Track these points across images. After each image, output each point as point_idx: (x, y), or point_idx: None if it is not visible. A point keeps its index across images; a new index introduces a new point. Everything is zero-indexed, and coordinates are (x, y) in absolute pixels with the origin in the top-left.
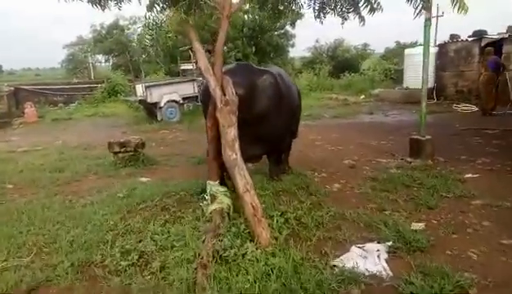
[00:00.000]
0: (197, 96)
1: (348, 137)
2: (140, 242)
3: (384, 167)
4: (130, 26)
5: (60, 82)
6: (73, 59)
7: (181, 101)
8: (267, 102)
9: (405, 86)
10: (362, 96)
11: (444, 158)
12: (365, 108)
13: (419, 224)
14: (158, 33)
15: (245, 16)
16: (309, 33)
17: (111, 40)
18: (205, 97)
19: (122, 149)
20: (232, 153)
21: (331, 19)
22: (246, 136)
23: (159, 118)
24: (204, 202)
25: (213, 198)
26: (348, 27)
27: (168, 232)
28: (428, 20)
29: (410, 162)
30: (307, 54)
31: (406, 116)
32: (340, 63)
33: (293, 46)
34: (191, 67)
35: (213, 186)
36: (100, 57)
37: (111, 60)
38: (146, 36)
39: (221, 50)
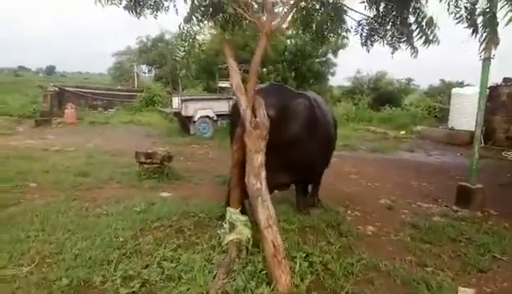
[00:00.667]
0: None
1: (385, 174)
2: (146, 267)
3: (426, 212)
4: (174, 40)
5: (103, 87)
6: (120, 67)
7: (215, 118)
8: (299, 127)
9: (449, 126)
10: (403, 132)
11: (496, 210)
12: (405, 144)
13: (469, 290)
14: (190, 45)
15: (288, 41)
16: (351, 63)
17: (155, 52)
18: (234, 117)
19: (148, 161)
20: (257, 182)
21: (378, 48)
22: (274, 162)
23: (191, 132)
24: (222, 230)
25: (232, 226)
26: (390, 60)
27: (179, 259)
28: (487, 60)
29: (457, 211)
30: (347, 83)
31: (450, 158)
32: (381, 95)
33: (333, 74)
34: (229, 85)
35: (234, 214)
36: (144, 67)
37: (154, 71)
38: (179, 47)
39: (256, 68)
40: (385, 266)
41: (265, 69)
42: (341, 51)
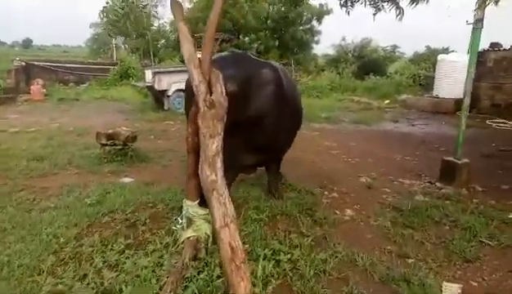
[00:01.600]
0: None
1: (367, 148)
2: (83, 277)
3: (408, 190)
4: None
5: (74, 61)
6: (98, 39)
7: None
8: (267, 100)
9: (434, 93)
10: (387, 101)
11: (482, 186)
12: (389, 114)
13: (454, 285)
14: (129, 5)
15: (270, 8)
16: (336, 30)
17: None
18: (189, 93)
19: (109, 142)
20: (211, 173)
21: (364, 12)
22: (238, 142)
23: (165, 107)
24: (178, 226)
25: (189, 222)
26: (376, 27)
27: (124, 265)
28: (479, 22)
29: (441, 189)
30: (332, 51)
31: (435, 127)
32: (366, 64)
33: (317, 42)
34: None
35: (191, 207)
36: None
37: (130, 43)
38: (116, 9)
39: (211, 34)
40: (362, 260)
41: (247, 38)
42: (326, 17)
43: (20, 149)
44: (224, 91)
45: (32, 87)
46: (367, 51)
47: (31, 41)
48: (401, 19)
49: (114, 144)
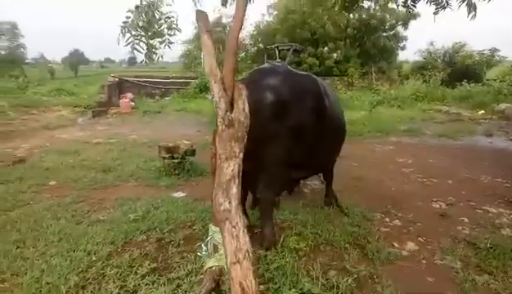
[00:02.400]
0: None
1: (449, 166)
2: None
3: (493, 222)
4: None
5: (160, 76)
6: (189, 54)
7: None
8: (306, 112)
9: None
10: (482, 112)
11: None
12: (482, 126)
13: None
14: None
15: (351, 15)
16: (425, 36)
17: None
18: None
19: (168, 155)
20: (225, 201)
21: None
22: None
23: None
24: (203, 253)
25: (215, 249)
26: (472, 30)
27: (140, 292)
28: None
29: None
30: (419, 58)
31: None
32: (458, 71)
33: (403, 48)
34: None
35: (216, 233)
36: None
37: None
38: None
39: (233, 48)
40: None
41: (325, 49)
42: (412, 22)
43: (95, 160)
44: (247, 108)
45: (120, 101)
46: (460, 57)
47: (136, 58)
48: (474, 17)
49: (173, 158)
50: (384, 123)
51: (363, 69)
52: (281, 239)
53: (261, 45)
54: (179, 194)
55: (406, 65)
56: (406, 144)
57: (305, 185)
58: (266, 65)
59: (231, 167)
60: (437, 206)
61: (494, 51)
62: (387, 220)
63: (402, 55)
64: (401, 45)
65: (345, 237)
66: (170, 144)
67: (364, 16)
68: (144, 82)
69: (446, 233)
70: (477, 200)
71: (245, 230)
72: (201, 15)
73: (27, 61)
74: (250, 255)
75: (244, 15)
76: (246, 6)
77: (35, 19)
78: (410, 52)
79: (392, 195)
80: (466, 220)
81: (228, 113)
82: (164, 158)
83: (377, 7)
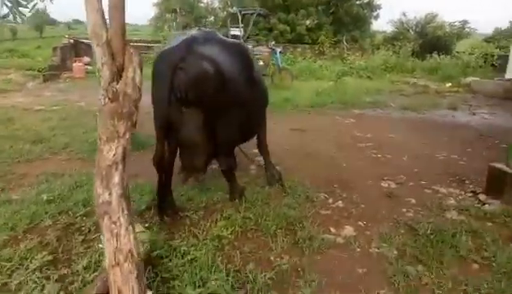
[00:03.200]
0: None
1: (407, 141)
2: None
3: (440, 203)
4: None
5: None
6: (160, 17)
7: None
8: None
9: (507, 76)
10: (449, 84)
11: None
12: (448, 100)
13: None
14: None
15: None
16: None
17: None
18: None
19: None
20: (104, 192)
21: None
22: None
23: None
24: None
25: None
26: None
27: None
28: None
29: (484, 204)
30: (391, 28)
31: (501, 118)
32: (429, 42)
33: (376, 18)
34: (238, 33)
35: None
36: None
37: (179, 20)
38: None
39: (119, 1)
40: None
41: (294, 15)
42: None
43: (29, 129)
44: (139, 78)
45: (74, 65)
46: (431, 28)
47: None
48: None
49: None
50: (350, 95)
51: (336, 38)
52: (207, 225)
53: (230, 9)
54: None
55: (379, 35)
56: (369, 116)
57: (252, 161)
58: (198, 32)
59: (112, 151)
60: (386, 185)
61: (464, 22)
62: (330, 201)
63: (376, 25)
64: (375, 14)
65: (278, 221)
66: None
67: None
68: None
69: (388, 217)
70: (428, 179)
71: (130, 227)
72: None
73: None
74: (134, 256)
75: None
76: None
77: None
78: (383, 22)
79: (341, 173)
80: (413, 201)
81: (114, 84)
82: None
83: None
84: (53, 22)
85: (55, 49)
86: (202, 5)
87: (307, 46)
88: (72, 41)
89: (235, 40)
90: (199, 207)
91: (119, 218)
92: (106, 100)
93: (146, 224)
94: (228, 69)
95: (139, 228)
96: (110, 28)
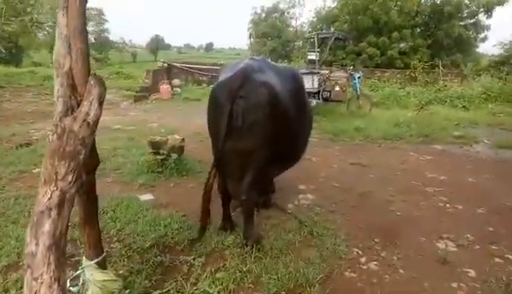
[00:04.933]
0: (318, 92)
1: (491, 189)
2: None
3: (508, 283)
4: (289, 10)
5: (209, 63)
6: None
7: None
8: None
9: None
10: None
11: None
12: None
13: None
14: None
15: (422, 0)
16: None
17: (265, 23)
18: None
19: (154, 150)
20: (31, 241)
21: None
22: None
23: None
24: (73, 289)
25: (85, 286)
26: None
27: None
28: None
29: None
30: (500, 51)
31: None
32: None
33: (484, 40)
34: (314, 57)
35: (87, 268)
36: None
37: (267, 44)
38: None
39: (80, 25)
40: None
41: (386, 39)
42: (498, 8)
43: (98, 148)
44: (95, 113)
45: (160, 87)
46: None
47: (212, 45)
48: None
49: (159, 153)
50: (434, 127)
51: (432, 62)
52: (203, 275)
53: (307, 34)
54: (146, 197)
55: (485, 60)
56: (451, 154)
57: (284, 211)
58: (245, 60)
59: (48, 195)
60: (443, 246)
61: None
62: (362, 259)
63: (484, 48)
64: (482, 36)
65: (285, 281)
66: (157, 139)
67: (437, 2)
68: (191, 68)
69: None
70: (505, 243)
71: (55, 285)
72: None
73: (116, 45)
74: None
75: None
76: None
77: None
78: (491, 44)
79: (392, 223)
80: (472, 273)
81: (65, 120)
82: (153, 152)
83: None
84: (168, 47)
85: (148, 72)
86: (291, 29)
87: (397, 70)
88: (166, 65)
89: (286, 66)
90: (207, 251)
91: (41, 274)
92: (54, 136)
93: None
94: (282, 94)
95: (109, 276)
96: (72, 57)
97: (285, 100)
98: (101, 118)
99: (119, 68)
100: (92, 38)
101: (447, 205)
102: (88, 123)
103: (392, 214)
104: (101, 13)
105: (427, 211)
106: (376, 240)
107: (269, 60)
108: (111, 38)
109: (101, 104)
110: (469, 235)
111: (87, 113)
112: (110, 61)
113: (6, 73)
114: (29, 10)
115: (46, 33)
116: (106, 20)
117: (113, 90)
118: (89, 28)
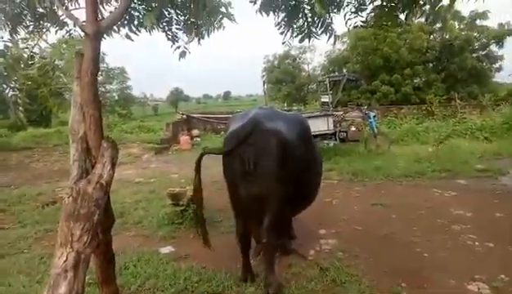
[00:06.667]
0: (334, 133)
1: None
2: None
3: None
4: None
5: (225, 112)
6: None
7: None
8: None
9: None
10: None
11: None
12: None
13: None
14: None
15: (431, 36)
16: None
17: (279, 70)
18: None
19: (172, 203)
20: None
21: None
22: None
23: None
24: None
25: None
26: None
27: None
28: None
29: None
30: None
31: None
32: None
33: (499, 70)
34: (327, 99)
35: None
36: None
37: (282, 89)
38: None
39: (92, 85)
40: None
41: (399, 76)
42: (509, 38)
43: (120, 202)
44: (108, 175)
45: (180, 138)
46: None
47: (229, 92)
48: None
49: (178, 205)
50: (456, 161)
51: (448, 95)
52: None
53: (319, 77)
54: (167, 249)
55: (502, 89)
56: (475, 189)
57: (305, 258)
58: (254, 110)
59: (64, 257)
60: (476, 289)
61: None
62: None
63: (500, 77)
64: (496, 66)
65: None
66: (176, 190)
67: (447, 37)
68: (209, 118)
69: None
70: None
71: None
72: (78, 59)
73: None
74: None
75: (92, 60)
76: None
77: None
78: (506, 74)
79: (418, 265)
80: None
81: (80, 183)
82: (173, 204)
83: (461, 26)
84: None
85: (168, 124)
86: (303, 73)
87: (413, 106)
88: (185, 116)
89: (293, 113)
90: None
91: None
92: (70, 199)
93: None
94: (290, 139)
95: None
96: (86, 121)
97: (293, 144)
98: (124, 172)
99: (141, 122)
100: (115, 95)
101: (476, 243)
102: (102, 185)
103: (418, 256)
104: (123, 71)
105: (455, 251)
106: (403, 285)
107: (278, 107)
108: (133, 94)
109: (113, 165)
110: (503, 276)
111: (101, 175)
112: (132, 116)
113: (35, 135)
114: (57, 73)
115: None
116: (129, 78)
117: (135, 144)
118: (113, 87)
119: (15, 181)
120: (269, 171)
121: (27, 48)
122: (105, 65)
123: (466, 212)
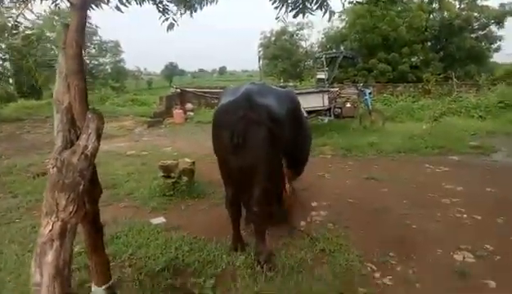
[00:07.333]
0: (329, 109)
1: (511, 199)
2: None
3: None
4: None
5: (219, 86)
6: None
7: (306, 114)
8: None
9: None
10: None
11: None
12: None
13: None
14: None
15: (431, 16)
16: None
17: (275, 46)
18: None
19: (165, 174)
20: (35, 271)
21: None
22: None
23: None
24: None
25: None
26: None
27: None
28: None
29: None
30: None
31: None
32: None
33: (497, 50)
34: (323, 76)
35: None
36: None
37: (278, 66)
38: None
39: (77, 60)
40: None
41: (396, 54)
42: (510, 19)
43: (111, 174)
44: (93, 146)
45: (173, 112)
46: None
47: (225, 68)
48: None
49: (169, 177)
50: (450, 138)
51: (445, 74)
52: None
53: (316, 54)
54: (158, 220)
55: (499, 69)
56: (467, 165)
57: (301, 232)
58: (246, 85)
59: (49, 226)
60: (461, 258)
61: None
62: (376, 275)
63: (498, 57)
64: (495, 46)
65: None
66: (168, 163)
67: (445, 16)
68: (203, 92)
69: None
70: None
71: None
72: (65, 30)
73: (131, 74)
74: None
75: (77, 33)
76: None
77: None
78: (505, 54)
79: (407, 237)
80: (493, 284)
81: (64, 153)
82: (164, 176)
83: (462, 5)
84: (182, 73)
85: (161, 98)
86: (301, 50)
87: (410, 84)
88: (179, 90)
89: (283, 89)
90: (217, 272)
91: None
92: (54, 169)
93: None
94: (280, 113)
95: None
96: (70, 92)
97: (283, 118)
98: (116, 145)
99: (134, 95)
100: (108, 69)
101: (464, 215)
102: (86, 155)
103: (407, 227)
104: (117, 45)
105: (444, 223)
106: (391, 254)
107: (273, 83)
108: (127, 68)
109: (99, 136)
110: (488, 246)
111: (86, 146)
112: (126, 89)
113: (26, 106)
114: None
115: None
116: (122, 51)
117: (128, 117)
118: (106, 60)
119: (6, 152)
120: (259, 145)
121: (11, 17)
122: (98, 38)
123: (457, 187)
